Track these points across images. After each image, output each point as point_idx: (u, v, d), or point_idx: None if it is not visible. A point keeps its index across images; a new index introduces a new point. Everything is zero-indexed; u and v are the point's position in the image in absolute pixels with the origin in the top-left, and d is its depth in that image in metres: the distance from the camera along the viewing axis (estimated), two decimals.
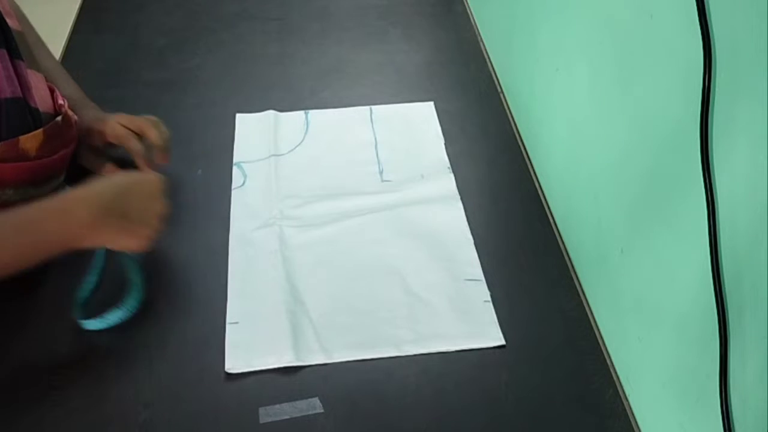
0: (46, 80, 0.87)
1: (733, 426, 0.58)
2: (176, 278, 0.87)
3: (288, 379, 0.77)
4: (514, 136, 1.07)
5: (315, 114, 1.09)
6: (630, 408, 0.76)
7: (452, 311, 0.83)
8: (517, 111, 1.09)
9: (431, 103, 1.11)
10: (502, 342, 0.80)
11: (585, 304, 0.85)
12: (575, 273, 0.88)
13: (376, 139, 1.06)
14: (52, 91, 0.86)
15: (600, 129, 0.79)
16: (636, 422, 0.75)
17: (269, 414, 0.73)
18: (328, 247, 0.90)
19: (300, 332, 0.80)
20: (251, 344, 0.79)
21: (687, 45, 0.58)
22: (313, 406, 0.74)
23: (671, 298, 0.67)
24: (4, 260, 0.70)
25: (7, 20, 0.80)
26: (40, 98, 0.83)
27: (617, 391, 0.77)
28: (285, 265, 0.87)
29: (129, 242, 0.76)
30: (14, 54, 0.80)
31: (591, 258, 0.86)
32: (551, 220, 0.95)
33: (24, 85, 0.80)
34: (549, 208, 0.96)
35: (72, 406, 0.73)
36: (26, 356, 0.78)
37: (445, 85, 1.15)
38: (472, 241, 0.91)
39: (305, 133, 1.06)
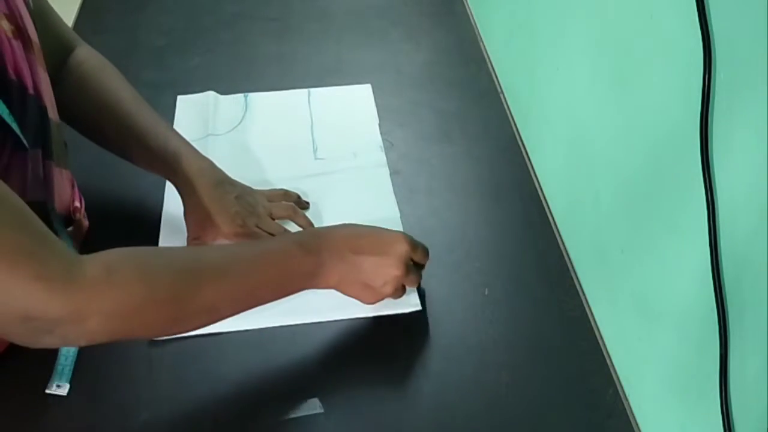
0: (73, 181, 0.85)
1: (733, 426, 0.58)
2: None
3: (288, 379, 0.77)
4: (514, 136, 1.07)
5: (254, 96, 1.11)
6: (630, 408, 0.76)
7: None
8: (517, 111, 1.09)
9: (368, 86, 1.13)
10: (419, 307, 0.82)
11: (585, 304, 0.85)
12: (575, 273, 0.88)
13: (312, 119, 1.08)
14: (72, 189, 0.84)
15: (600, 129, 0.79)
16: (636, 422, 0.75)
17: (269, 414, 0.73)
18: None
19: None
20: None
21: (687, 45, 0.57)
22: (313, 406, 0.74)
23: (671, 298, 0.67)
24: (233, 300, 0.70)
25: (50, 112, 0.76)
26: (60, 199, 0.79)
27: (617, 391, 0.77)
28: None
29: (360, 295, 0.77)
30: (47, 154, 0.75)
31: (591, 258, 0.86)
32: (551, 220, 0.95)
33: (49, 186, 0.76)
34: (549, 208, 0.96)
35: (71, 406, 0.73)
36: (25, 356, 0.78)
37: (445, 85, 1.15)
38: (398, 215, 0.93)
39: (243, 115, 1.08)
